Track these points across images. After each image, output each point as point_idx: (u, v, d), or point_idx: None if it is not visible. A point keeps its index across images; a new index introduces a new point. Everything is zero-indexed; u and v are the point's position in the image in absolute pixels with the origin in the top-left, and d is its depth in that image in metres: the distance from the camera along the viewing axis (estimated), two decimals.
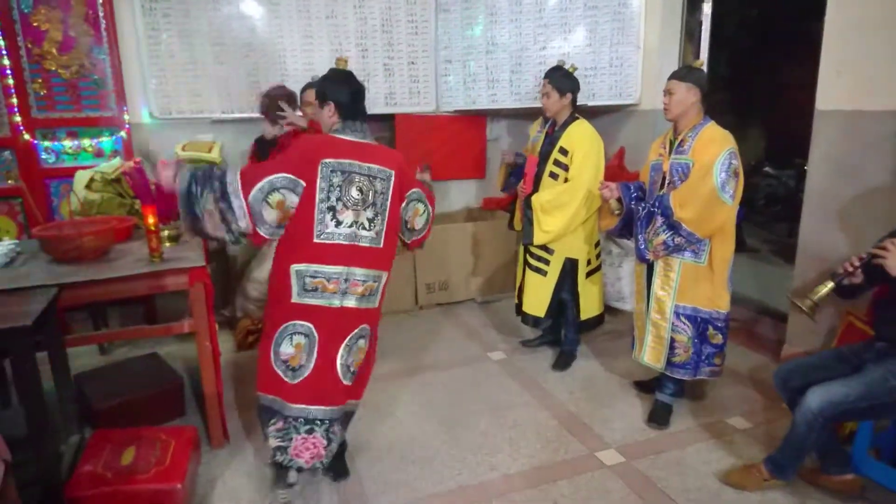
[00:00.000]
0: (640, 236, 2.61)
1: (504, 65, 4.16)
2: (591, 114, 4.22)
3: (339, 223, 2.05)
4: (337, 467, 2.39)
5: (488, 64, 4.20)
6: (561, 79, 3.06)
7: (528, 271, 3.31)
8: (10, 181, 3.36)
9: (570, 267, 3.21)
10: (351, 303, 2.11)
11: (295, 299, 2.07)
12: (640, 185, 2.80)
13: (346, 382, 2.16)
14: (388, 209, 2.15)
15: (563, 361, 3.35)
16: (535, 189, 3.18)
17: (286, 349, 2.09)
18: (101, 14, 3.42)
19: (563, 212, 3.08)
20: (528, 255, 3.30)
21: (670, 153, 2.60)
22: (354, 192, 2.06)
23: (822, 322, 3.03)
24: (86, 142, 3.53)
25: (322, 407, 2.12)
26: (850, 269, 2.10)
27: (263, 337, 2.17)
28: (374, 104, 4.19)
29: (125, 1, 3.51)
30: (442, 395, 3.06)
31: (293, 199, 2.01)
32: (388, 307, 3.43)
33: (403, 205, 2.23)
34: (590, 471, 2.44)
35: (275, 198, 1.99)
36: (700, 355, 2.68)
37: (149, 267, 2.37)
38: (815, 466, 2.28)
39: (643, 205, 2.62)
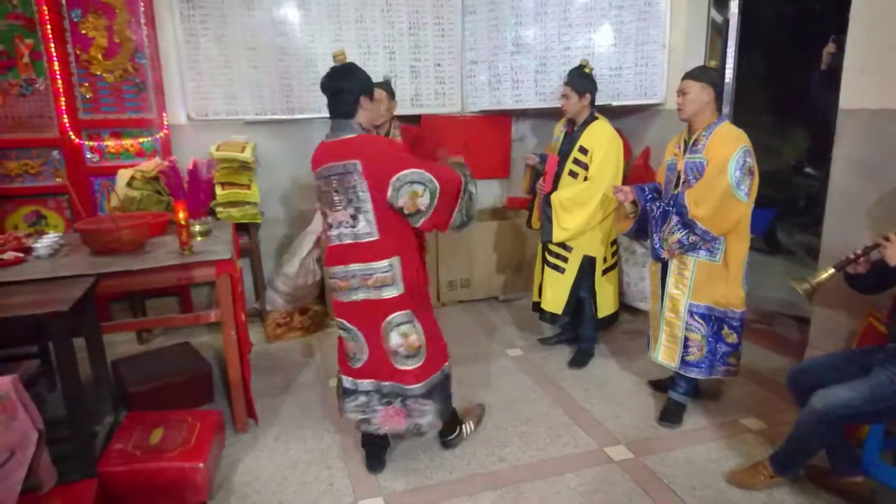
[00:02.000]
0: (655, 235, 2.62)
1: (529, 65, 4.21)
2: (617, 113, 4.24)
3: (331, 226, 2.21)
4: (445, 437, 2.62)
5: (513, 64, 4.25)
6: (578, 80, 3.10)
7: (546, 269, 3.35)
8: (58, 179, 3.60)
9: (587, 265, 3.24)
10: (367, 295, 2.22)
11: (335, 298, 2.33)
12: (656, 186, 2.81)
13: (399, 367, 2.28)
14: (368, 200, 2.12)
15: (580, 359, 3.38)
16: (555, 188, 3.22)
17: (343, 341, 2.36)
18: (142, 21, 3.62)
19: (583, 210, 3.12)
20: (546, 253, 3.34)
21: (685, 152, 2.62)
22: (333, 195, 2.17)
23: (845, 324, 2.99)
24: (128, 142, 3.74)
25: (389, 382, 2.32)
26: (852, 256, 2.12)
27: None
28: (401, 105, 4.26)
29: (165, 8, 3.70)
30: (457, 390, 3.10)
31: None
32: None
33: (392, 192, 2.11)
34: (597, 465, 2.47)
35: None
36: (715, 354, 2.67)
37: (179, 259, 2.52)
38: (826, 467, 2.27)
39: (658, 203, 2.62)
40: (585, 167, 3.12)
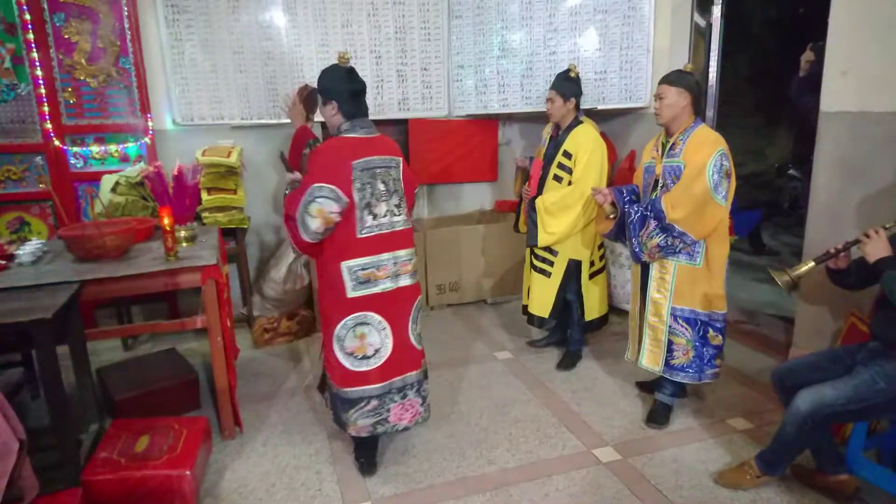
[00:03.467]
0: (633, 239, 2.63)
1: (515, 69, 4.23)
2: (602, 117, 4.27)
3: (375, 216, 2.24)
4: None
5: (500, 69, 4.27)
6: (564, 84, 3.11)
7: (533, 273, 3.36)
8: (41, 185, 3.56)
9: (574, 268, 3.26)
10: (406, 281, 2.34)
11: (350, 294, 2.25)
12: (634, 188, 2.82)
13: (419, 348, 2.44)
14: (403, 191, 2.37)
15: (569, 361, 3.39)
16: (540, 192, 3.24)
17: (350, 343, 2.29)
18: (126, 26, 3.59)
19: (567, 214, 3.13)
20: (532, 257, 3.36)
21: (663, 156, 2.63)
22: (380, 185, 2.25)
23: (829, 324, 3.03)
24: (112, 147, 3.71)
25: (409, 373, 2.40)
26: (833, 251, 2.19)
27: (325, 339, 2.35)
28: (388, 109, 4.30)
29: (150, 13, 3.68)
30: (446, 392, 3.13)
31: (333, 207, 2.15)
32: None
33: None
34: (585, 467, 2.48)
35: (314, 206, 2.13)
36: (703, 359, 2.67)
37: (164, 265, 2.50)
38: (811, 466, 2.29)
39: (636, 207, 2.63)
40: (569, 171, 3.14)
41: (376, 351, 2.29)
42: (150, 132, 3.77)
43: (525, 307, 3.50)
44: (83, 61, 3.56)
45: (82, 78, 3.58)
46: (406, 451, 2.62)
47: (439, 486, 2.39)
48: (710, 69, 4.24)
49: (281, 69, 3.99)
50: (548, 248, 3.24)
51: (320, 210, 2.13)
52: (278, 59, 3.98)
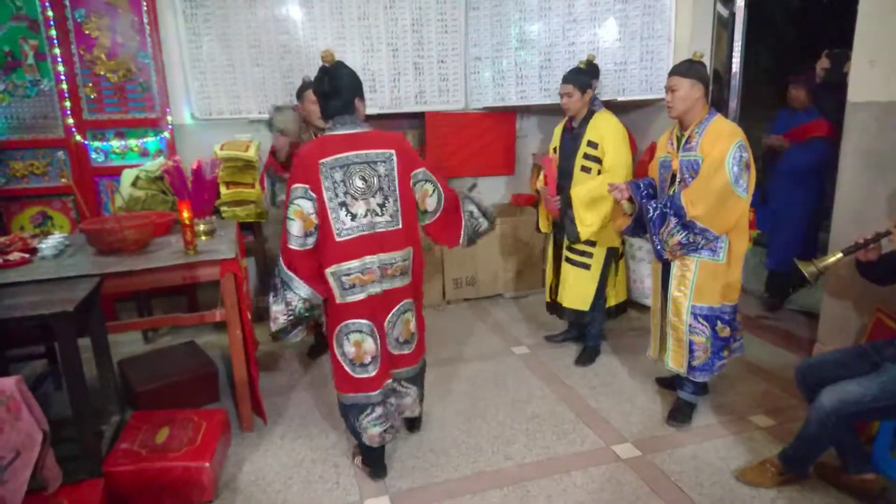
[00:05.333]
0: (654, 237, 2.56)
1: (533, 61, 4.19)
2: (622, 108, 4.20)
3: (353, 216, 2.14)
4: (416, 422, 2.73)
5: (517, 61, 4.23)
6: (578, 76, 3.07)
7: (567, 266, 3.29)
8: (63, 179, 3.61)
9: (611, 256, 3.25)
10: (393, 284, 2.25)
11: (339, 300, 2.20)
12: (650, 181, 2.76)
13: (395, 352, 2.34)
14: (397, 189, 2.22)
15: (587, 357, 3.36)
16: (562, 188, 3.18)
17: (348, 349, 2.24)
18: (145, 21, 3.62)
19: (603, 204, 3.03)
20: (568, 252, 3.29)
21: (678, 150, 2.55)
22: (358, 182, 2.15)
23: (854, 320, 2.96)
24: (132, 142, 3.75)
25: (399, 369, 2.38)
26: (861, 241, 2.13)
27: (329, 344, 2.31)
28: (405, 102, 4.29)
29: (168, 8, 3.71)
30: (463, 387, 3.12)
31: (308, 206, 2.10)
32: None
33: (412, 183, 2.26)
34: (604, 463, 2.46)
35: (293, 209, 2.11)
36: (716, 353, 2.61)
37: (183, 258, 2.52)
38: (836, 464, 2.24)
39: (653, 204, 2.56)
40: (598, 161, 3.08)
41: (373, 358, 2.25)
42: (169, 127, 3.80)
43: (550, 304, 3.46)
44: (103, 56, 3.60)
45: (102, 73, 3.62)
46: (422, 445, 2.61)
47: (456, 480, 2.39)
48: (733, 60, 4.17)
49: (298, 63, 3.99)
50: (586, 241, 3.20)
51: (298, 211, 2.10)
52: (295, 53, 3.98)
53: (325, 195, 2.11)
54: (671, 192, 2.57)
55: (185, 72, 3.81)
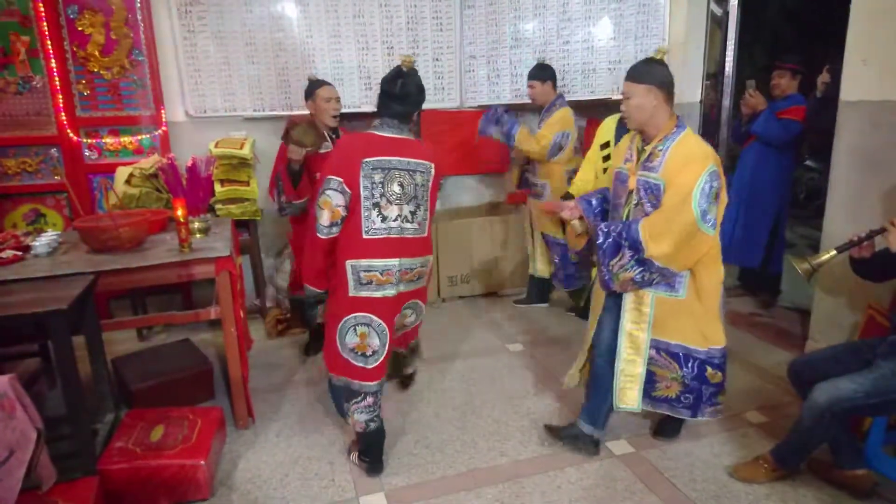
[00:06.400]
0: (603, 267, 2.21)
1: (528, 59, 4.19)
2: (616, 107, 4.21)
3: (384, 218, 2.17)
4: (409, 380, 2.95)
5: (512, 59, 4.24)
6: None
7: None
8: (56, 177, 3.59)
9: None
10: (407, 287, 2.29)
11: (352, 293, 2.22)
12: (605, 195, 2.47)
13: (402, 331, 2.47)
14: (428, 200, 2.29)
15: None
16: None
17: (351, 339, 2.26)
18: (139, 18, 3.60)
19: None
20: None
21: (637, 165, 2.21)
22: (396, 188, 2.17)
23: (846, 317, 2.99)
24: (126, 139, 3.73)
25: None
26: (855, 239, 2.13)
27: (328, 326, 2.32)
28: None
29: (163, 5, 3.69)
30: (458, 384, 3.13)
31: (339, 200, 2.13)
32: None
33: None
34: (598, 459, 2.47)
35: (323, 198, 2.14)
36: (701, 397, 2.33)
37: (178, 256, 2.52)
38: (828, 460, 2.26)
39: (605, 229, 2.18)
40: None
41: (374, 352, 2.27)
42: (164, 124, 3.78)
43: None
44: (97, 53, 3.58)
45: (96, 70, 3.60)
46: (418, 443, 2.62)
47: (452, 477, 2.39)
48: (727, 59, 4.19)
49: (293, 61, 3.98)
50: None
51: (327, 202, 2.13)
52: (290, 51, 3.97)
53: (362, 193, 2.13)
54: (625, 214, 2.26)
55: (180, 69, 3.79)
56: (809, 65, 4.73)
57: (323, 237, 2.18)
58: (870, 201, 2.85)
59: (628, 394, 2.36)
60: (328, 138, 3.16)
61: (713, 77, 4.23)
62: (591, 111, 4.47)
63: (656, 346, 2.29)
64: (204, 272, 2.58)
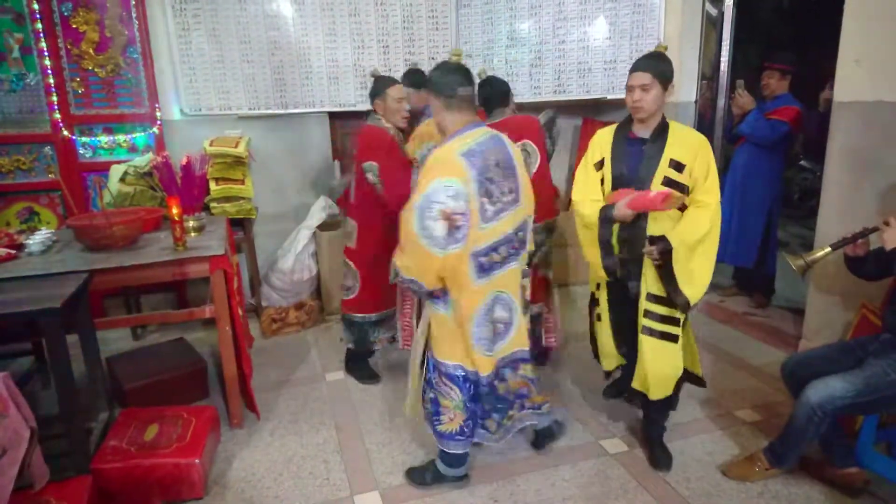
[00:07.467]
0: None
1: (524, 59, 4.20)
2: (612, 107, 4.24)
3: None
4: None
5: (508, 58, 4.24)
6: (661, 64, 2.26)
7: (645, 339, 2.29)
8: (50, 175, 3.58)
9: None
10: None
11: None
12: None
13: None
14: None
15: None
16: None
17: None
18: (134, 15, 3.59)
19: (710, 245, 2.21)
20: (646, 317, 2.28)
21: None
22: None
23: (839, 316, 3.00)
24: (120, 137, 3.72)
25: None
26: (850, 236, 2.16)
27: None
28: None
29: (157, 2, 3.67)
30: None
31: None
32: None
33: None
34: (593, 457, 2.48)
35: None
36: (474, 420, 2.20)
37: (173, 255, 2.51)
38: (820, 459, 2.28)
39: None
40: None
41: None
42: (158, 122, 3.77)
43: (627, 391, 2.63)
44: (91, 51, 3.57)
45: (90, 68, 3.59)
46: (413, 441, 2.62)
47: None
48: (722, 58, 4.20)
49: (288, 59, 3.98)
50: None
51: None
52: (285, 49, 3.96)
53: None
54: None
55: (175, 67, 3.78)
56: (802, 65, 4.76)
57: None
58: (863, 201, 2.86)
59: (414, 407, 2.30)
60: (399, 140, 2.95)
61: (708, 77, 4.25)
62: (587, 111, 4.49)
63: (437, 366, 2.16)
64: (198, 271, 2.57)
